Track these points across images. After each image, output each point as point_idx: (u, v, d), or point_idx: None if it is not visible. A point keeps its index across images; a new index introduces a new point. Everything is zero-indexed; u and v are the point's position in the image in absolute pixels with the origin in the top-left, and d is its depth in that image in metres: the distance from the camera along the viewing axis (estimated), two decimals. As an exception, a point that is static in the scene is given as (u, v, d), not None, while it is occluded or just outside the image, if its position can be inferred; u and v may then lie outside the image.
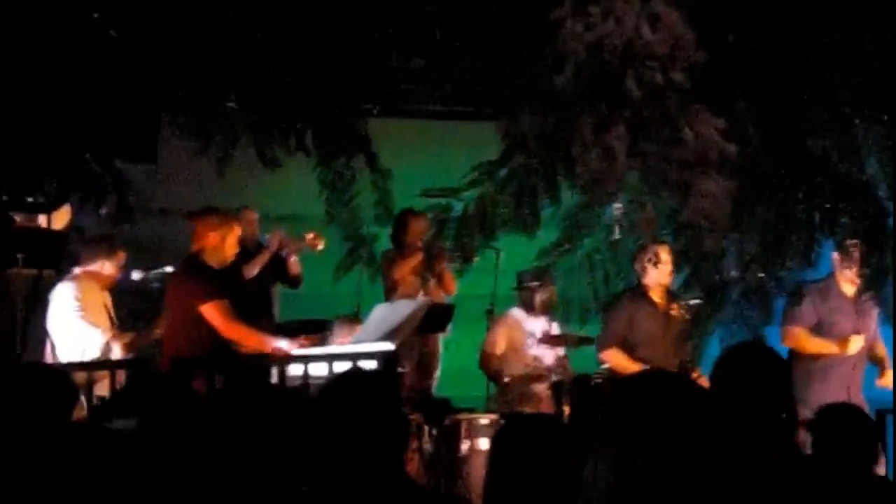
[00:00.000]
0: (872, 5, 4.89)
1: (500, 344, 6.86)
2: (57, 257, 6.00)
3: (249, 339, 5.67)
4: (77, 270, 6.30)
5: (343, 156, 6.24)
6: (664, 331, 5.69)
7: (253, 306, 6.33)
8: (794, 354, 5.98)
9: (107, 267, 6.28)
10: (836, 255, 5.67)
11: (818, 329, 5.94)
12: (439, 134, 7.43)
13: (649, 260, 5.54)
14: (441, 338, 6.99)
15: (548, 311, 6.76)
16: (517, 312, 6.88)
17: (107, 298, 6.32)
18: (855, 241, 5.23)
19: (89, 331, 6.12)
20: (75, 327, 6.16)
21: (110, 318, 6.32)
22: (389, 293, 6.84)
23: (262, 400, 2.91)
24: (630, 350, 5.83)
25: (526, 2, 5.08)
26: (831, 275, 5.87)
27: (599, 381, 6.46)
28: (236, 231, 5.82)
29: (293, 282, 6.93)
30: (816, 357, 5.83)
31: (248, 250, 6.72)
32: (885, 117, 5.14)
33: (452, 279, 6.79)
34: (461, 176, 6.05)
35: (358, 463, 2.52)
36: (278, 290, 7.01)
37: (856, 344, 5.69)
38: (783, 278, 5.20)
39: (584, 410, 6.34)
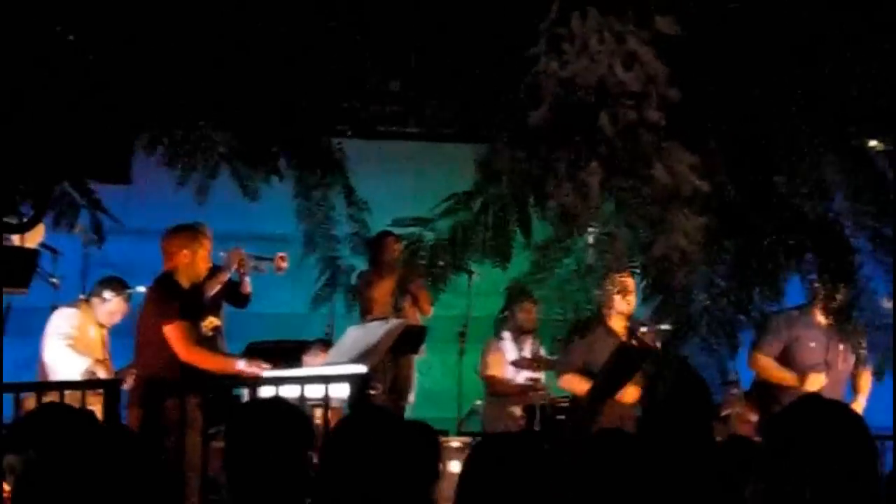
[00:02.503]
0: (841, 49, 4.98)
1: (493, 366, 6.97)
2: (27, 276, 5.99)
3: (208, 363, 5.68)
4: (81, 297, 6.35)
5: (320, 187, 6.27)
6: None
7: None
8: (764, 382, 6.07)
9: (100, 307, 6.31)
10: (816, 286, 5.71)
11: (784, 356, 6.03)
12: (416, 155, 7.45)
13: (616, 289, 5.63)
14: (415, 360, 7.04)
15: (527, 332, 6.88)
16: (502, 335, 7.00)
17: (104, 333, 6.35)
18: (822, 281, 5.34)
19: (77, 359, 6.15)
20: (65, 354, 6.18)
21: (104, 351, 6.35)
22: (365, 313, 6.87)
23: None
24: (591, 376, 5.91)
25: (503, 37, 5.12)
26: (810, 303, 5.93)
27: (567, 404, 6.57)
28: (207, 246, 5.84)
29: (244, 301, 6.93)
30: (785, 387, 5.91)
31: None
32: (852, 156, 5.22)
33: (428, 299, 6.83)
34: (437, 198, 6.08)
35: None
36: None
37: (815, 381, 5.75)
38: (750, 310, 5.29)
39: (556, 432, 6.43)
